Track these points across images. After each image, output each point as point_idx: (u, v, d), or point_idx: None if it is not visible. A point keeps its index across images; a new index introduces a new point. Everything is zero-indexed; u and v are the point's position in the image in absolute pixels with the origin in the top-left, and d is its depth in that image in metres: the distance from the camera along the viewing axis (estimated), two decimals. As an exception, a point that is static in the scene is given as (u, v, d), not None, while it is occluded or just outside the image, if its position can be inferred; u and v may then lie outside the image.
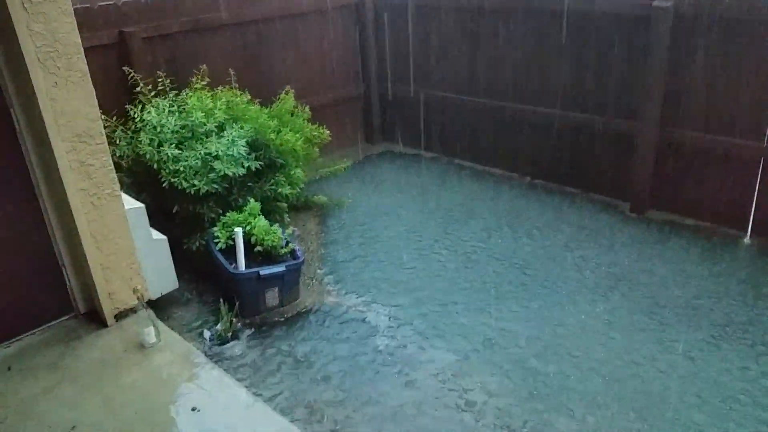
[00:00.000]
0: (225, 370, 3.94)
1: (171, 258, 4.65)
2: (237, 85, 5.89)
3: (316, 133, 6.12)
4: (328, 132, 6.28)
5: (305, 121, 6.05)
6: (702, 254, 5.33)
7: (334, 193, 6.82)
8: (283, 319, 4.59)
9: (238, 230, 4.54)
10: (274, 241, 4.67)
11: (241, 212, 4.87)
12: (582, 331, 4.30)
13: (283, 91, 6.08)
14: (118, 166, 4.55)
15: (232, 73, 5.95)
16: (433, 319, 4.51)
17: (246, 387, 3.79)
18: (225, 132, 5.04)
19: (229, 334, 4.33)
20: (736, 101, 5.46)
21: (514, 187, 6.94)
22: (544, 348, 4.14)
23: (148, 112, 5.12)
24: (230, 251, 4.66)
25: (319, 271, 5.29)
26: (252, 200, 4.95)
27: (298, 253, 4.79)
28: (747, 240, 5.59)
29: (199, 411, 3.52)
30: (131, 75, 5.36)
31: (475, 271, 5.15)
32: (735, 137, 5.53)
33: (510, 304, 4.66)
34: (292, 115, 5.96)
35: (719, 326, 4.29)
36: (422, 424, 3.50)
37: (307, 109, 6.15)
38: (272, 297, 4.62)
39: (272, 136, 5.31)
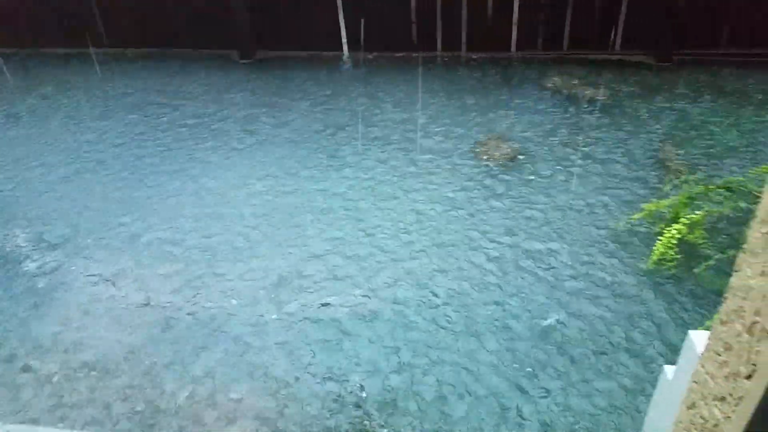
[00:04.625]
0: None
1: None
2: None
3: None
4: None
5: None
6: (308, 79, 5.68)
7: None
8: None
9: None
10: None
11: None
12: (229, 164, 4.30)
13: None
14: None
15: None
16: (67, 233, 3.97)
17: None
18: None
19: None
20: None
21: (113, 63, 6.27)
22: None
23: None
24: None
25: None
26: None
27: None
28: (345, 57, 6.12)
29: None
30: None
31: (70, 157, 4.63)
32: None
33: (132, 182, 4.36)
34: None
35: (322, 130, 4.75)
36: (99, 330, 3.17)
37: None
38: None
39: None
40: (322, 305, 3.08)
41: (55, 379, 2.78)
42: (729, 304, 1.12)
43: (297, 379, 2.67)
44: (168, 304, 3.20)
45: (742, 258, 1.08)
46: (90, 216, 4.02)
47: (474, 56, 5.91)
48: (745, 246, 1.07)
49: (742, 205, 3.38)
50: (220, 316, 3.07)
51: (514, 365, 2.67)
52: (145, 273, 3.43)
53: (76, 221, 3.97)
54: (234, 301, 3.16)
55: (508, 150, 4.44)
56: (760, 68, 5.29)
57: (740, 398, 1.07)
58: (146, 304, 3.21)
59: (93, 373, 2.81)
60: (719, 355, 1.16)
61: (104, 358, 2.88)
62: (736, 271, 1.11)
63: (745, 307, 1.06)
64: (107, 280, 3.44)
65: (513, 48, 5.85)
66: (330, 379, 2.66)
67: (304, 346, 2.85)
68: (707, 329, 1.35)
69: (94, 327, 3.09)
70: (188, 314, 3.10)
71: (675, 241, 3.08)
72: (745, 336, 1.06)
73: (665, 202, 3.44)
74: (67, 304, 3.26)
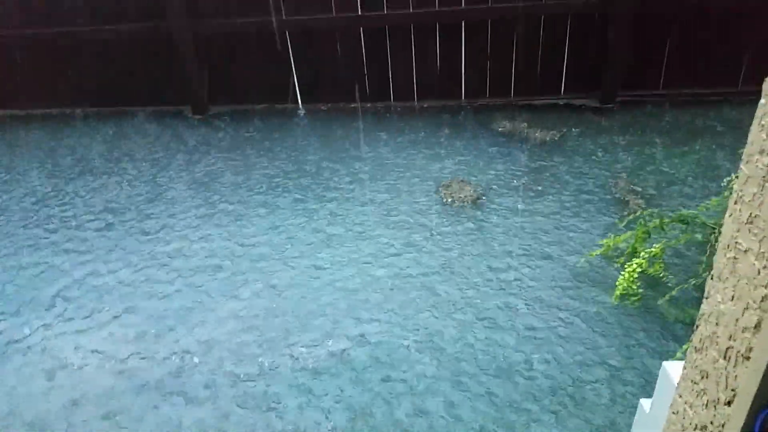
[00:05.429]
0: None
1: None
2: None
3: None
4: None
5: None
6: (264, 133, 5.69)
7: None
8: None
9: None
10: None
11: None
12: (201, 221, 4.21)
13: None
14: None
15: None
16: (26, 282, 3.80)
17: None
18: None
19: None
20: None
21: (71, 124, 6.16)
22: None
23: None
24: None
25: None
26: None
27: None
28: (301, 111, 6.16)
29: None
30: None
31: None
32: (251, 17, 5.78)
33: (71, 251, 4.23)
34: None
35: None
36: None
37: None
38: None
39: None
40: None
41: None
42: (702, 330, 1.12)
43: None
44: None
45: (710, 284, 1.09)
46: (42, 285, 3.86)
47: (426, 105, 6.03)
48: (713, 272, 1.08)
49: (698, 236, 3.48)
50: (181, 379, 2.94)
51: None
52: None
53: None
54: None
55: (471, 192, 4.50)
56: (697, 106, 5.55)
57: (722, 425, 1.06)
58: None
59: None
60: (696, 383, 1.15)
61: None
62: (705, 298, 1.11)
63: (719, 332, 1.06)
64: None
65: (463, 96, 6.00)
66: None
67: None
68: (681, 359, 1.35)
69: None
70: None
71: (636, 275, 3.13)
72: (722, 362, 1.06)
73: (622, 237, 3.51)
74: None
